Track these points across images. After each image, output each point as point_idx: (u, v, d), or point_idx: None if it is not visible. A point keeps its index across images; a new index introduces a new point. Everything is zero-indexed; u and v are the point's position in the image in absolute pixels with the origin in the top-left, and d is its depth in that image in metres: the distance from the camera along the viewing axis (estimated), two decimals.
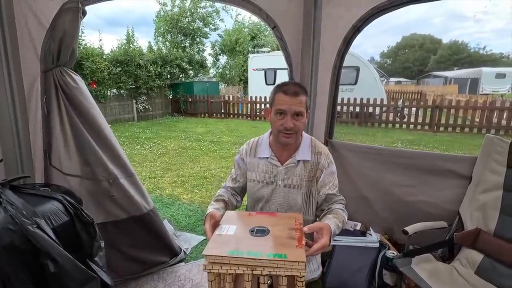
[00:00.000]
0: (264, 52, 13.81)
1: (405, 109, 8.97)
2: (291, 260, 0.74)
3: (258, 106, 10.95)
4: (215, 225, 0.96)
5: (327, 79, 2.06)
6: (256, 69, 11.95)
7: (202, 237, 2.64)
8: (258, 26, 21.61)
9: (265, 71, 11.66)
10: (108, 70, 9.33)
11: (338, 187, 1.21)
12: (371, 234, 1.97)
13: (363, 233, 2.02)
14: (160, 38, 15.89)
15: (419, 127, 8.51)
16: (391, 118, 8.92)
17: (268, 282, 0.90)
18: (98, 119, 1.62)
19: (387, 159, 2.04)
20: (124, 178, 1.78)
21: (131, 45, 11.15)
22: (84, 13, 1.46)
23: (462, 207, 1.71)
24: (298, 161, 1.19)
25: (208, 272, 0.80)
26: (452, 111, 8.18)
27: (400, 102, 9.33)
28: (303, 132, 1.22)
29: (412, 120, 8.69)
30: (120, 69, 9.81)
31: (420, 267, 1.51)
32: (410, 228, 1.59)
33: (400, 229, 1.64)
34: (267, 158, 1.21)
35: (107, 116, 9.69)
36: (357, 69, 9.67)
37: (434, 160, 1.88)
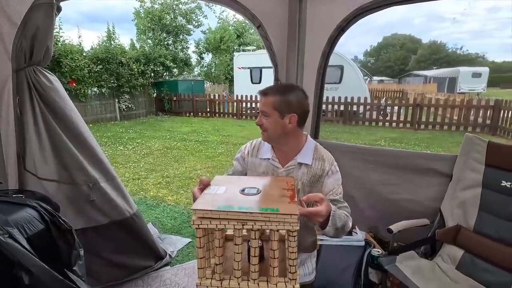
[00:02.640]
0: (250, 50, 13.77)
1: (387, 107, 9.20)
2: (283, 213, 0.72)
3: (244, 104, 10.91)
4: (204, 188, 0.92)
5: (312, 79, 2.06)
6: (242, 67, 11.90)
7: (188, 239, 2.60)
8: (244, 24, 21.51)
9: (251, 69, 11.63)
10: (88, 68, 9.01)
11: (342, 195, 1.17)
12: (356, 233, 1.99)
13: (349, 232, 2.04)
14: (142, 36, 15.52)
15: (401, 125, 8.75)
16: (374, 116, 9.11)
17: (260, 243, 0.87)
18: (76, 120, 1.54)
19: (372, 159, 2.06)
20: (105, 181, 1.72)
21: (112, 42, 10.81)
22: (59, 9, 1.38)
23: (443, 205, 1.75)
24: (299, 163, 1.17)
25: (197, 228, 0.76)
26: (432, 109, 8.46)
27: (383, 101, 9.55)
28: (308, 136, 1.23)
29: (395, 118, 8.92)
30: (101, 67, 9.49)
31: (404, 264, 1.54)
32: (394, 227, 1.62)
33: (385, 227, 1.67)
34: (269, 159, 1.21)
35: (88, 115, 9.38)
36: (341, 68, 9.81)
37: (416, 159, 1.92)
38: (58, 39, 8.45)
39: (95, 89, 9.66)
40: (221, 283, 0.78)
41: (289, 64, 1.98)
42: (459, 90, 18.99)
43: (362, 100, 9.07)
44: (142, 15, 14.80)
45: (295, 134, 1.16)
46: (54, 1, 1.32)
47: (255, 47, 15.77)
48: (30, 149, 1.50)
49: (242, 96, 10.74)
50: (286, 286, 0.77)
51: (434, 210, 1.80)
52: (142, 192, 3.79)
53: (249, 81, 11.71)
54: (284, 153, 1.20)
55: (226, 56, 18.36)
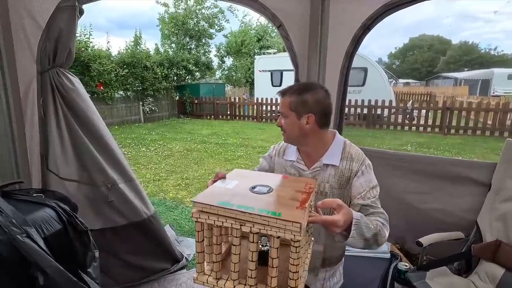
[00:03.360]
0: (270, 53, 13.75)
1: (414, 111, 8.78)
2: (284, 219, 0.64)
3: (264, 107, 10.88)
4: (217, 179, 0.89)
5: (335, 80, 1.97)
6: (262, 70, 11.89)
7: None
8: (265, 28, 21.54)
9: (271, 72, 11.59)
10: (115, 72, 9.38)
11: (378, 200, 1.05)
12: None
13: None
14: (167, 40, 15.97)
15: (429, 129, 8.31)
16: (400, 120, 8.74)
17: (266, 248, 0.83)
18: (97, 122, 1.57)
19: (397, 164, 1.93)
20: (124, 183, 1.72)
21: (138, 47, 11.20)
22: (81, 12, 1.40)
23: (481, 217, 1.59)
24: (326, 165, 1.10)
25: (196, 221, 0.74)
26: (464, 113, 7.96)
27: (409, 104, 9.14)
28: (337, 135, 1.15)
29: (422, 122, 8.50)
30: (127, 71, 9.85)
31: (435, 281, 1.41)
32: (425, 240, 1.49)
33: (413, 238, 1.54)
34: (293, 161, 1.16)
35: (114, 117, 9.75)
36: (365, 70, 9.51)
37: (447, 166, 1.77)
38: (88, 45, 8.87)
39: (121, 92, 10.03)
40: (217, 282, 0.74)
41: (311, 65, 1.91)
42: (493, 92, 17.81)
43: (386, 103, 8.73)
44: (167, 20, 15.23)
45: (316, 135, 1.08)
46: (77, 3, 1.35)
47: (276, 50, 15.72)
48: (53, 149, 1.53)
49: (262, 99, 10.72)
50: None
51: (469, 222, 1.65)
52: (161, 193, 3.83)
53: (270, 84, 11.68)
54: (309, 154, 1.13)
55: (247, 59, 18.47)
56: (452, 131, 7.98)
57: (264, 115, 11.00)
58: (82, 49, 8.48)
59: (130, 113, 10.30)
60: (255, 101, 11.03)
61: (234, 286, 0.73)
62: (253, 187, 0.82)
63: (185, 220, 3.03)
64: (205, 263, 0.79)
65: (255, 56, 13.09)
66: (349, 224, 0.84)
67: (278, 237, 0.67)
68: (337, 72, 1.95)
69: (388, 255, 1.76)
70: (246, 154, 5.93)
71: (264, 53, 14.65)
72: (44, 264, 1.03)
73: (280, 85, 11.41)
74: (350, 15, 1.81)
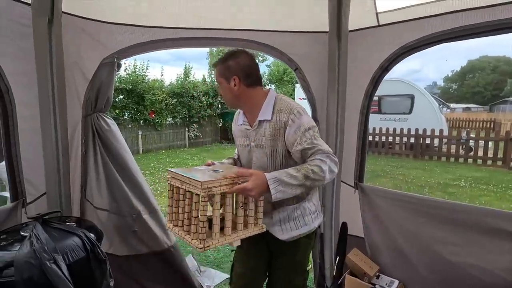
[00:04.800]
0: None
1: (472, 141, 7.94)
2: (196, 180, 1.00)
3: None
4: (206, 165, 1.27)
5: (355, 120, 1.95)
6: (303, 98, 11.96)
7: (227, 275, 2.59)
8: None
9: None
10: (165, 101, 10.32)
11: (316, 140, 1.15)
12: None
13: None
14: (213, 71, 17.17)
15: (489, 162, 7.41)
16: (453, 150, 7.96)
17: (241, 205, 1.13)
18: (127, 158, 1.78)
19: (425, 210, 1.78)
20: (147, 213, 1.88)
21: (187, 79, 12.25)
22: (119, 66, 1.67)
23: None
24: (261, 121, 1.23)
25: (168, 183, 1.16)
26: None
27: (464, 134, 8.32)
28: (271, 91, 1.28)
29: (481, 153, 7.62)
30: (176, 100, 10.77)
31: None
32: None
33: None
34: (241, 124, 1.34)
35: (162, 142, 10.58)
36: (412, 98, 9.01)
37: (482, 217, 1.58)
38: (144, 78, 9.98)
39: (170, 119, 10.93)
40: (172, 227, 1.18)
41: (329, 105, 1.93)
42: None
43: (437, 132, 8.07)
44: (215, 53, 16.50)
45: (247, 95, 1.23)
46: (115, 60, 1.60)
47: None
48: (90, 181, 1.76)
49: None
50: (197, 243, 1.02)
51: None
52: None
53: (310, 112, 11.66)
54: (250, 114, 1.29)
55: (288, 86, 18.85)
56: None
57: None
58: (139, 81, 9.55)
59: (176, 139, 11.09)
60: None
61: (177, 231, 1.15)
62: (215, 170, 1.15)
63: (210, 250, 3.10)
64: (173, 215, 1.19)
65: (296, 84, 13.31)
66: (264, 187, 1.05)
67: (196, 194, 1.03)
68: (357, 111, 1.94)
69: None
70: None
71: None
72: None
73: None
74: (367, 56, 1.82)
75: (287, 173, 1.08)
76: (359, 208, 2.04)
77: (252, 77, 1.21)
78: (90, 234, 1.44)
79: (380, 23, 1.79)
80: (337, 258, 1.99)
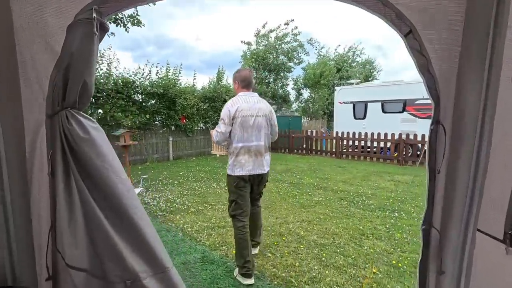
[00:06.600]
0: (353, 83, 12.72)
1: None
2: None
3: (345, 142, 9.76)
4: None
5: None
6: (344, 102, 10.93)
7: None
8: (345, 58, 20.70)
9: (354, 104, 10.52)
10: (197, 106, 9.87)
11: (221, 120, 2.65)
12: None
13: None
14: None
15: None
16: None
17: None
18: (116, 186, 1.03)
19: None
20: (151, 275, 1.14)
21: (220, 83, 11.77)
22: (103, 29, 0.96)
23: None
24: None
25: None
26: None
27: None
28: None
29: None
30: (208, 105, 10.29)
31: None
32: None
33: None
34: None
35: (193, 149, 10.11)
36: None
37: None
38: (176, 82, 9.63)
39: (201, 124, 10.47)
40: None
41: (466, 90, 1.07)
42: None
43: None
44: (248, 56, 15.96)
45: (240, 92, 2.59)
46: (95, 15, 0.89)
47: (359, 80, 14.59)
48: (60, 222, 1.06)
49: (342, 133, 9.66)
50: None
51: None
52: (224, 247, 3.24)
53: (352, 117, 10.58)
54: None
55: (325, 90, 17.78)
56: None
57: (344, 150, 9.85)
58: (171, 86, 9.20)
59: (207, 145, 10.59)
60: (334, 135, 10.03)
61: None
62: None
63: None
64: None
65: (336, 87, 12.26)
66: None
67: None
68: None
69: None
70: (325, 199, 5.00)
71: (345, 84, 13.69)
72: None
73: (364, 118, 10.20)
74: None
75: None
76: None
77: (244, 83, 2.59)
78: None
79: None
80: None
